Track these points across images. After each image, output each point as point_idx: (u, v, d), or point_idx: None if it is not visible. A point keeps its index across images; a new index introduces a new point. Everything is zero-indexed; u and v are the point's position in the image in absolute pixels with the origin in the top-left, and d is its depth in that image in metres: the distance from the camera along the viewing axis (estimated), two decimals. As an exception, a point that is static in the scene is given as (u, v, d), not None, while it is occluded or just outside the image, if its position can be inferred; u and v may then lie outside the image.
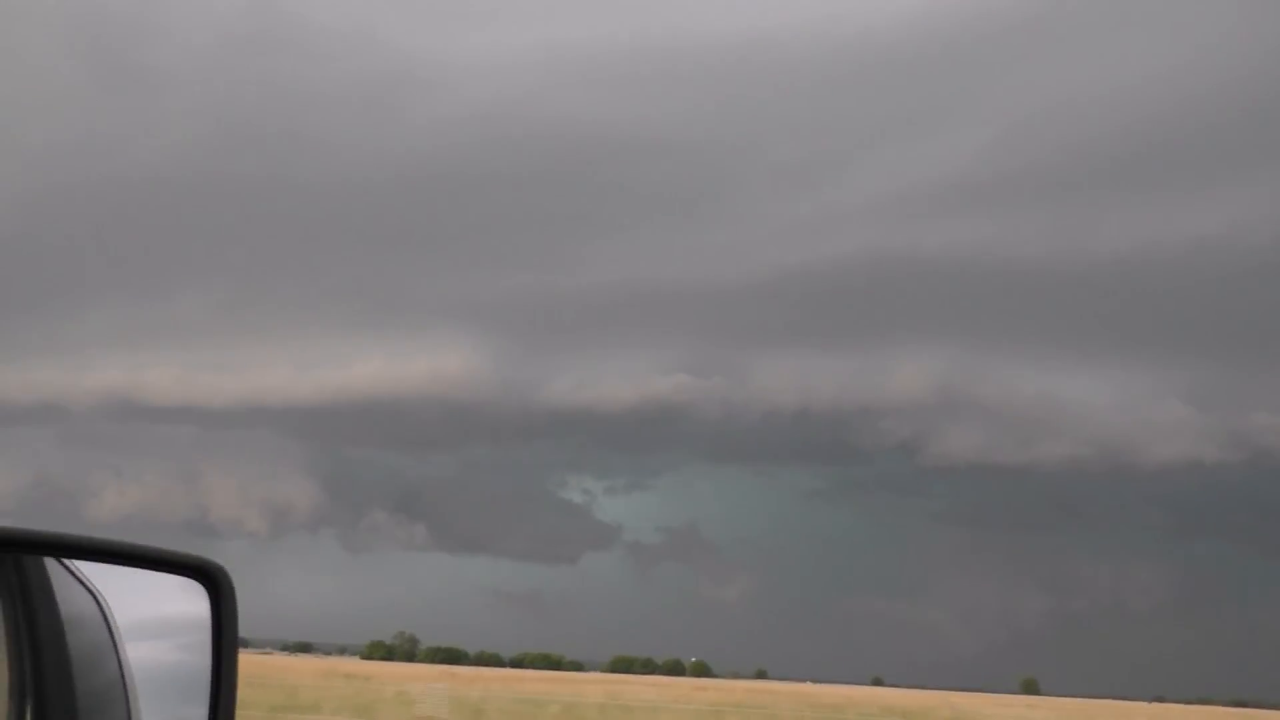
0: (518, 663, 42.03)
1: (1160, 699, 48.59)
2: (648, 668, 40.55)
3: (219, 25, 47.89)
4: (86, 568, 1.46)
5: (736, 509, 60.21)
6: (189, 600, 1.50)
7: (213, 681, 1.51)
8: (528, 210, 51.31)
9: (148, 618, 1.52)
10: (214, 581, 1.53)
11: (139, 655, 1.46)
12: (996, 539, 60.29)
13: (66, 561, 1.45)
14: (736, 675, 42.32)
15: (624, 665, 41.54)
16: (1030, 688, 45.46)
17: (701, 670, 39.81)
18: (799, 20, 48.52)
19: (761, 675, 43.04)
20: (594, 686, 28.09)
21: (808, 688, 34.97)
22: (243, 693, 1.54)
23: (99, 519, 50.82)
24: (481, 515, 55.63)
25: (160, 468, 56.13)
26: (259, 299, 54.87)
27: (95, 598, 1.46)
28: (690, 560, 56.46)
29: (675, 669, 40.30)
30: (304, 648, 48.19)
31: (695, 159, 50.68)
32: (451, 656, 38.44)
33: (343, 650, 47.97)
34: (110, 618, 1.47)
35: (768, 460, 61.14)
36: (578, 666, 43.27)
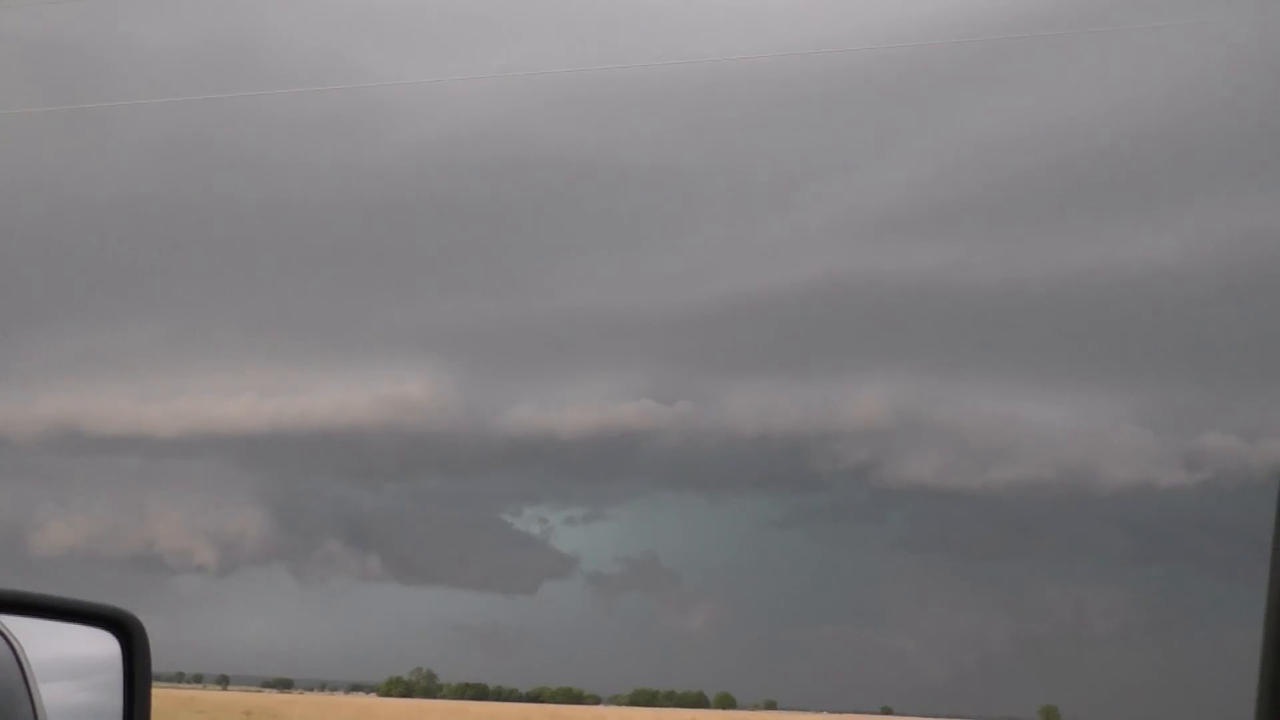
0: (535, 697, 41.96)
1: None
2: (671, 700, 40.49)
3: (181, 48, 47.46)
4: (4, 618, 1.54)
5: (696, 538, 59.59)
6: (102, 645, 1.59)
7: (126, 727, 1.57)
8: (489, 237, 51.10)
9: (63, 663, 1.59)
10: (126, 631, 1.60)
11: (54, 700, 1.55)
12: (957, 564, 59.43)
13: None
14: (755, 706, 42.25)
15: (646, 698, 41.46)
16: (1050, 716, 45.13)
17: (727, 702, 39.76)
18: (763, 49, 48.31)
19: (771, 706, 42.94)
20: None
21: (828, 719, 34.85)
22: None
23: (42, 553, 50.61)
24: (437, 546, 55.14)
25: (107, 499, 55.91)
26: (211, 327, 54.43)
27: (11, 645, 1.55)
28: (651, 590, 55.90)
29: (699, 701, 40.25)
30: (285, 684, 48.19)
31: (658, 185, 50.40)
32: (478, 693, 38.35)
33: (323, 686, 48.01)
34: (25, 665, 1.54)
35: (727, 488, 60.15)
36: (596, 699, 43.22)
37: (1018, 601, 58.16)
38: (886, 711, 43.73)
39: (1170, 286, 53.42)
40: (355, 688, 48.80)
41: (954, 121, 52.18)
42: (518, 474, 59.81)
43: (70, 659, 1.63)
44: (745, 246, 60.01)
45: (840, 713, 39.96)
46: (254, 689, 48.77)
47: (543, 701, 41.20)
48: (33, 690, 1.58)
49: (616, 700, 42.91)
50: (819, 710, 40.47)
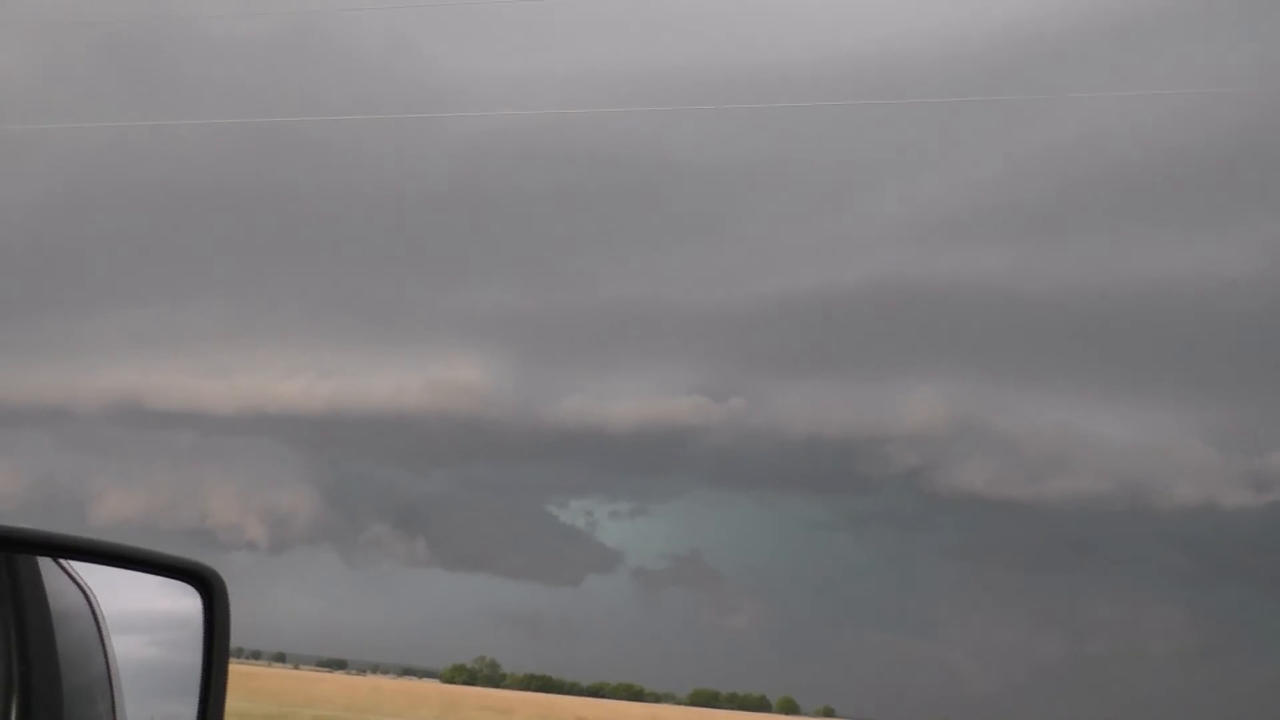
0: (596, 691, 42.04)
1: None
2: (733, 702, 40.37)
3: (249, 32, 48.05)
4: (82, 569, 1.51)
5: (741, 537, 59.40)
6: (178, 601, 1.54)
7: (202, 684, 1.55)
8: (549, 228, 51.23)
9: (138, 616, 1.57)
10: (208, 586, 1.57)
11: (128, 653, 1.51)
12: (1009, 576, 58.78)
13: (62, 561, 1.50)
14: (816, 712, 42.01)
15: (706, 699, 41.39)
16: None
17: (790, 707, 39.57)
18: (825, 48, 48.18)
19: (829, 713, 42.60)
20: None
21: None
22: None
23: (100, 522, 51.50)
24: (482, 534, 55.38)
25: (164, 473, 56.77)
26: (273, 308, 55.05)
27: (87, 597, 1.51)
28: (695, 587, 55.79)
29: (761, 705, 40.10)
30: (339, 664, 48.74)
31: (716, 183, 50.32)
32: (545, 685, 38.49)
33: (375, 669, 48.48)
34: (100, 616, 1.52)
35: (774, 488, 59.99)
36: (656, 697, 43.21)
37: (1070, 616, 56.78)
38: None
39: (1238, 299, 52.12)
40: (407, 671, 49.22)
41: (1018, 126, 51.32)
42: (566, 465, 59.79)
43: (148, 612, 1.61)
44: (803, 245, 59.40)
45: None
46: (310, 668, 49.34)
47: (603, 696, 41.30)
48: (107, 642, 1.54)
49: (674, 699, 42.91)
50: None
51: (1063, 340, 52.43)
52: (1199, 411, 60.88)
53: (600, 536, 57.19)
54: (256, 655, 48.07)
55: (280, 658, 49.67)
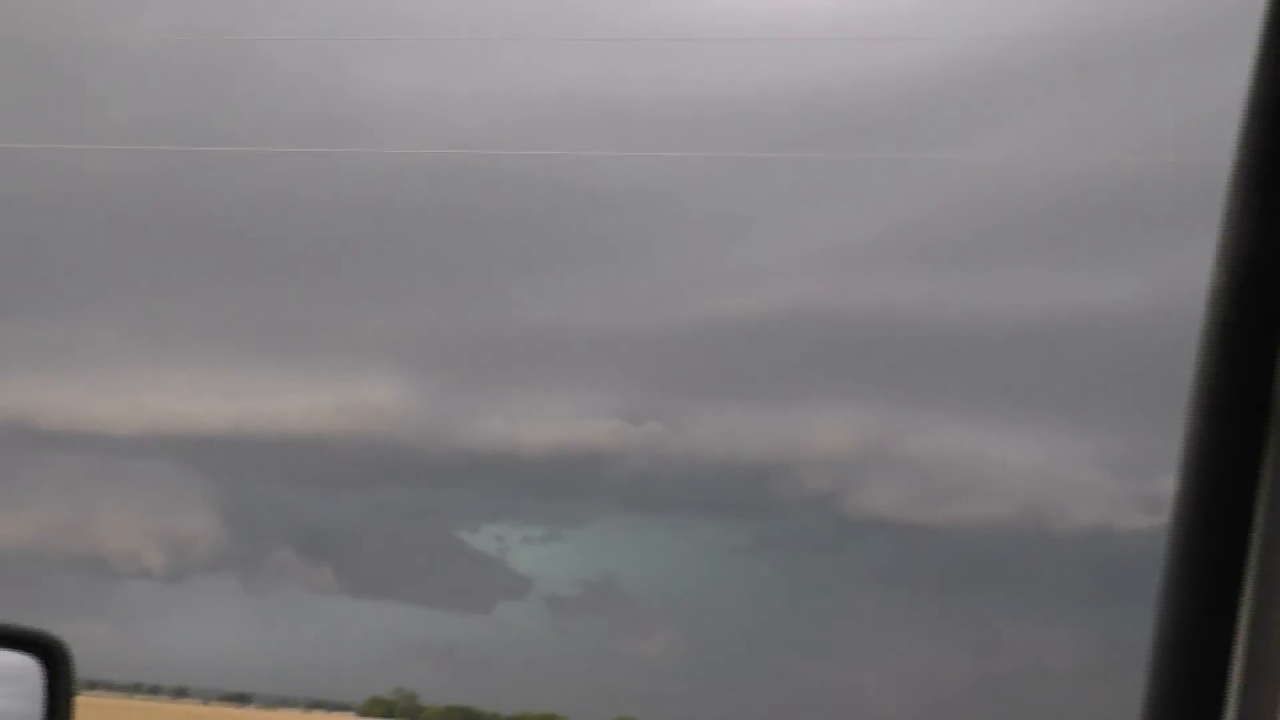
0: None
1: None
2: None
3: (162, 36, 46.84)
4: None
5: (656, 563, 59.16)
6: (20, 670, 1.52)
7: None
8: (465, 249, 50.68)
9: None
10: (49, 654, 1.61)
11: None
12: (916, 599, 59.55)
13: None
14: None
15: None
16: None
17: None
18: (749, 79, 48.84)
19: None
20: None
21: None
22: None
23: None
24: (391, 560, 54.18)
25: (56, 497, 54.41)
26: (177, 325, 53.40)
27: None
28: (608, 614, 55.38)
29: None
30: (242, 698, 47.07)
31: (636, 209, 50.41)
32: (467, 716, 37.29)
33: (282, 702, 47.07)
34: None
35: (689, 513, 59.82)
36: None
37: (975, 637, 57.61)
38: None
39: (1133, 333, 53.56)
40: (315, 705, 47.76)
41: (930, 160, 52.38)
42: (478, 489, 58.64)
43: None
44: (720, 272, 59.68)
45: None
46: (212, 703, 47.54)
47: None
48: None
49: None
50: None
51: (969, 369, 53.06)
52: (1095, 438, 61.81)
53: (512, 563, 56.04)
54: (155, 690, 46.11)
55: (181, 692, 47.75)
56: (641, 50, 49.97)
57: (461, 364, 59.34)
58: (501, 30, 49.14)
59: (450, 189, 53.10)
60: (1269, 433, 0.94)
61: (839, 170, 52.51)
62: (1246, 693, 0.93)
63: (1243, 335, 0.95)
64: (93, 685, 43.88)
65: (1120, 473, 59.47)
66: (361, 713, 39.29)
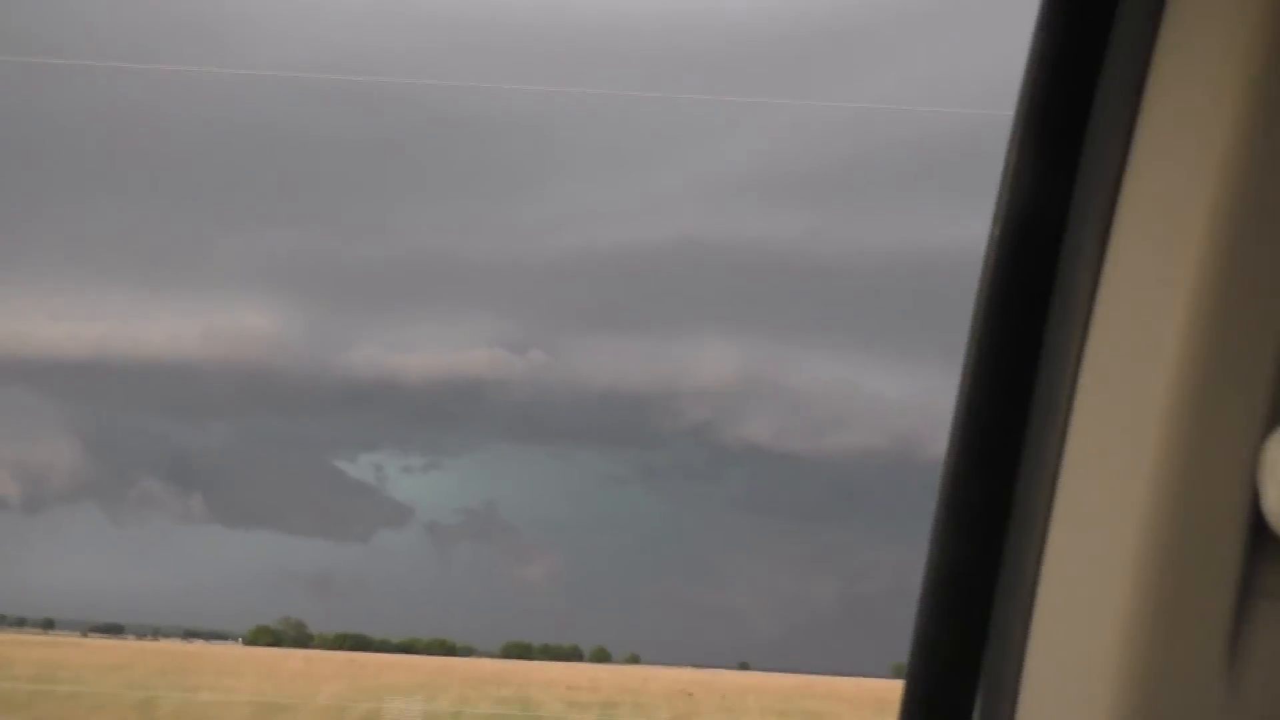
0: (408, 648, 40.46)
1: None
2: (547, 654, 39.47)
3: None
4: None
5: (536, 491, 59.78)
6: None
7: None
8: (342, 172, 49.44)
9: None
10: None
11: None
12: (789, 526, 61.67)
13: None
14: (623, 659, 41.71)
15: (520, 651, 40.35)
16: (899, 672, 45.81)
17: (602, 657, 38.89)
18: (641, 6, 48.76)
19: (635, 660, 42.38)
20: (585, 677, 26.60)
21: (747, 677, 34.43)
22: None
23: None
24: (265, 489, 53.34)
25: None
26: (29, 249, 51.35)
27: None
28: (490, 541, 55.83)
29: (573, 655, 39.32)
30: (114, 629, 45.81)
31: (520, 136, 49.99)
32: (359, 644, 36.70)
33: (156, 633, 46.11)
34: None
35: (570, 442, 60.54)
36: (470, 652, 41.98)
37: (845, 562, 59.61)
38: (744, 667, 43.86)
39: None
40: (190, 634, 46.70)
41: (813, 94, 52.83)
42: (356, 418, 57.85)
43: None
44: (604, 205, 59.74)
45: (701, 667, 39.74)
46: (79, 634, 46.19)
47: (415, 653, 39.83)
48: None
49: (489, 654, 41.81)
50: (680, 665, 40.32)
51: (845, 303, 54.29)
52: (959, 370, 64.46)
53: (391, 491, 55.60)
54: (21, 623, 44.60)
55: (48, 624, 46.25)
56: None
57: (339, 291, 58.16)
58: None
59: (331, 112, 51.53)
60: (1037, 386, 0.97)
61: (721, 108, 52.95)
62: (1002, 630, 0.98)
63: (1016, 290, 0.99)
64: None
65: None
66: (247, 642, 38.25)
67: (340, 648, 37.12)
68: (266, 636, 38.12)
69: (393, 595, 56.78)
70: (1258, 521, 0.85)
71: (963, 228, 54.49)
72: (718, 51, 51.09)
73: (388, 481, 66.73)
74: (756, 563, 66.79)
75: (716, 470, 69.62)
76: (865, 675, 41.64)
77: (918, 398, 61.38)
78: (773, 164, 57.02)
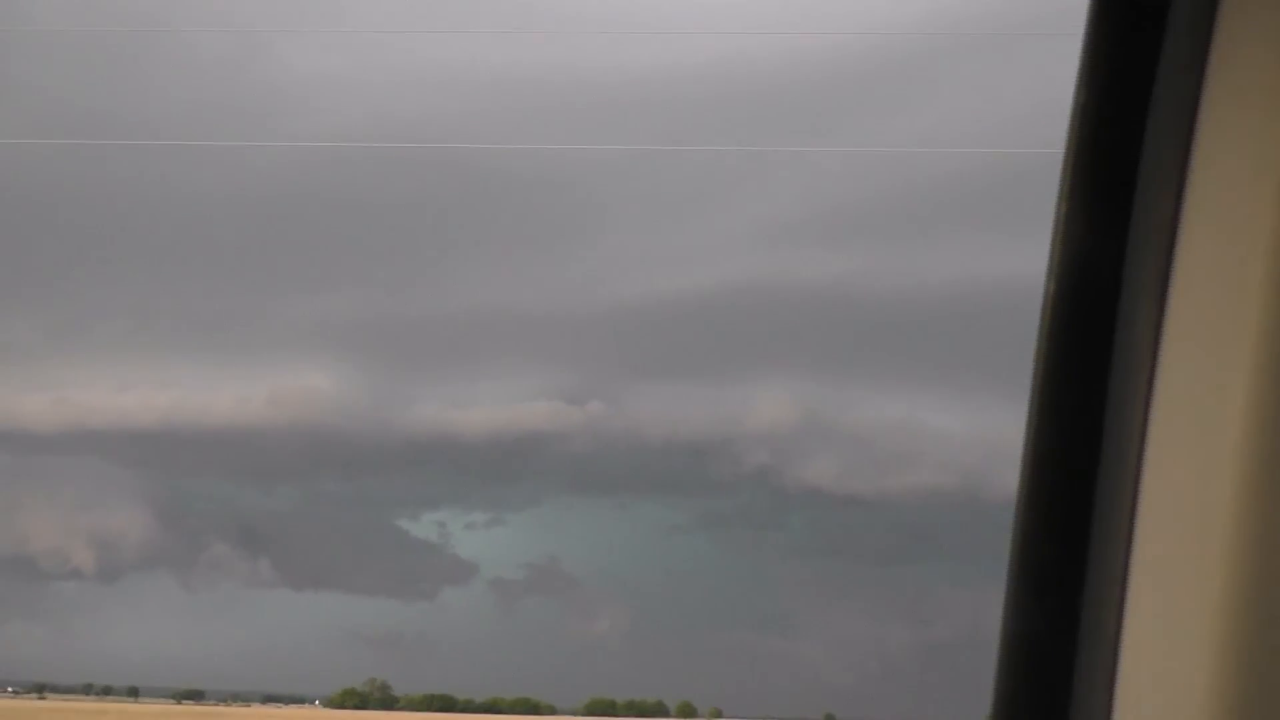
0: (492, 707, 40.33)
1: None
2: (632, 710, 39.22)
3: (79, 33, 45.67)
4: None
5: (599, 544, 59.80)
6: None
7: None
8: (397, 234, 50.04)
9: None
10: None
11: None
12: (856, 570, 61.02)
13: None
14: (710, 714, 41.38)
15: (604, 708, 40.11)
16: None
17: (688, 712, 38.65)
18: (681, 59, 49.01)
19: (718, 714, 42.10)
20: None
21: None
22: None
23: None
24: (330, 551, 53.47)
25: None
26: (100, 320, 52.13)
27: None
28: (555, 596, 55.91)
29: (658, 710, 39.06)
30: (196, 694, 45.92)
31: (571, 193, 50.34)
32: (445, 704, 36.62)
33: (235, 697, 46.22)
34: None
35: (631, 492, 60.62)
36: (553, 710, 41.79)
37: (916, 606, 58.62)
38: (829, 719, 43.40)
39: None
40: (270, 698, 46.79)
41: (862, 132, 52.79)
42: (417, 476, 58.23)
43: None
44: (656, 254, 59.98)
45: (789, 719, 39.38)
46: (167, 701, 46.41)
47: (499, 712, 39.68)
48: None
49: (573, 711, 41.62)
50: (769, 717, 39.92)
51: (904, 340, 53.89)
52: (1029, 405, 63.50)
53: (455, 548, 55.89)
54: (108, 691, 44.85)
55: (134, 692, 46.51)
56: (575, 37, 49.84)
57: (397, 350, 58.65)
58: (425, 10, 48.73)
59: (384, 177, 52.19)
60: (1103, 439, 0.96)
61: (770, 153, 53.22)
62: (1084, 691, 0.96)
63: (1076, 342, 0.98)
64: (40, 689, 42.55)
65: None
66: (333, 704, 38.20)
67: (428, 708, 36.96)
68: (353, 699, 38.02)
69: (461, 652, 56.73)
70: None
71: (1018, 260, 53.89)
72: (763, 97, 51.23)
73: (451, 539, 66.93)
74: (826, 610, 65.85)
75: (779, 515, 68.92)
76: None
77: (982, 433, 60.34)
78: (824, 205, 56.82)
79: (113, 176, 50.90)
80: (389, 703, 37.94)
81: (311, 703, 46.86)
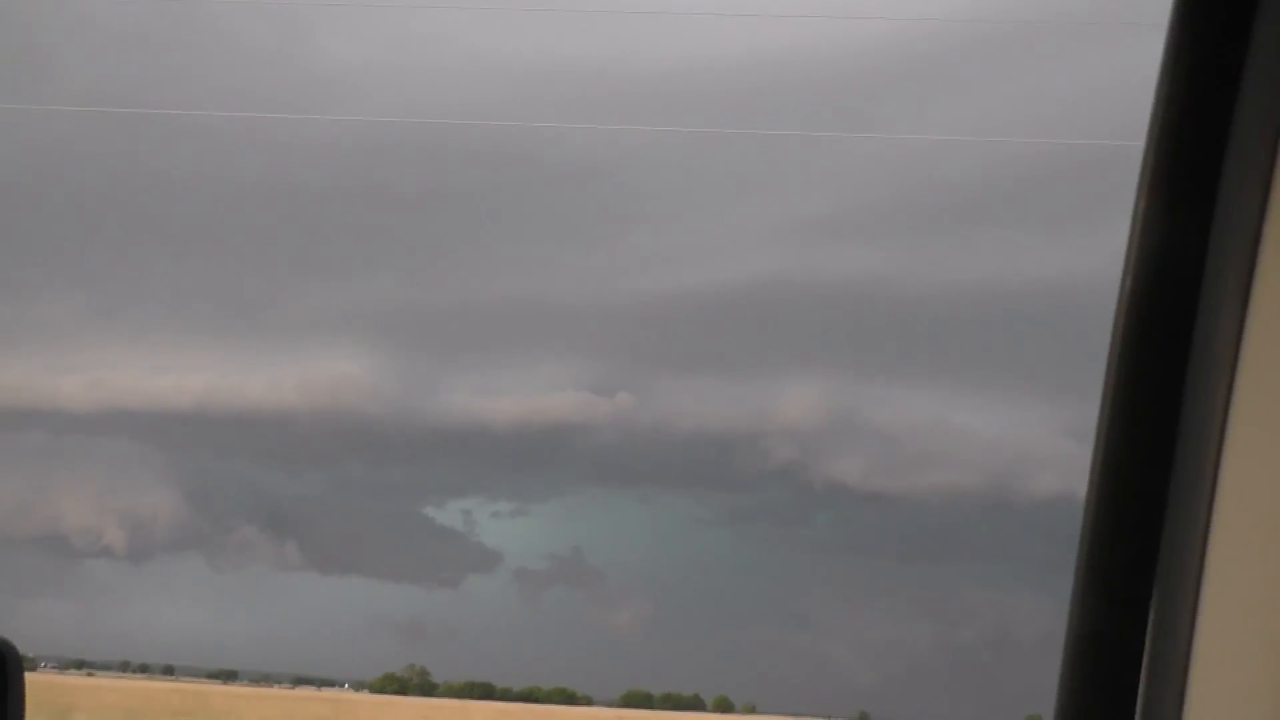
0: (528, 696, 40.49)
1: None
2: (669, 703, 39.27)
3: (121, 13, 46.16)
4: None
5: (624, 536, 59.94)
6: None
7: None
8: (429, 222, 50.44)
9: None
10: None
11: None
12: (882, 568, 60.79)
13: None
14: (745, 709, 41.38)
15: (640, 700, 40.21)
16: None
17: (724, 706, 38.59)
18: (714, 52, 49.27)
19: (751, 710, 42.07)
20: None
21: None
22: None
23: None
24: (357, 536, 53.92)
25: (12, 476, 53.40)
26: (135, 303, 52.69)
27: None
28: (578, 587, 56.27)
29: (695, 704, 39.07)
30: (229, 675, 46.37)
31: (601, 183, 50.67)
32: (485, 692, 36.80)
33: (267, 679, 46.66)
34: None
35: (656, 485, 60.67)
36: (589, 701, 41.92)
37: (942, 606, 58.55)
38: (864, 718, 43.21)
39: (1097, 301, 54.44)
40: (300, 681, 47.19)
41: (894, 130, 52.80)
42: (444, 465, 58.63)
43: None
44: (686, 246, 60.15)
45: (822, 718, 39.23)
46: (199, 680, 46.81)
47: (538, 702, 39.87)
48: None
49: (609, 702, 41.76)
50: (800, 715, 39.78)
51: (933, 338, 53.87)
52: (1058, 406, 62.95)
53: (480, 537, 56.40)
54: (144, 669, 45.39)
55: (169, 670, 46.99)
56: (604, 25, 49.77)
57: (428, 338, 58.91)
58: (462, 3, 48.89)
59: (416, 165, 52.38)
60: (1177, 442, 0.95)
61: (799, 146, 53.05)
62: (1152, 694, 0.95)
63: (1152, 341, 0.97)
64: (81, 665, 42.92)
65: (1083, 440, 61.17)
66: (374, 689, 38.62)
67: (469, 695, 37.24)
68: (393, 684, 38.39)
69: (485, 641, 57.05)
70: None
71: (1053, 259, 53.78)
72: (794, 88, 51.11)
73: (476, 527, 67.10)
74: (851, 607, 65.77)
75: (804, 512, 68.91)
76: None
77: (1011, 433, 60.23)
78: (855, 199, 56.69)
79: (151, 162, 51.24)
80: (428, 689, 38.24)
81: (341, 686, 47.37)
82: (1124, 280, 0.97)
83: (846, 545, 67.86)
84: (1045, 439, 62.39)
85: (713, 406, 60.68)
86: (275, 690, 41.18)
